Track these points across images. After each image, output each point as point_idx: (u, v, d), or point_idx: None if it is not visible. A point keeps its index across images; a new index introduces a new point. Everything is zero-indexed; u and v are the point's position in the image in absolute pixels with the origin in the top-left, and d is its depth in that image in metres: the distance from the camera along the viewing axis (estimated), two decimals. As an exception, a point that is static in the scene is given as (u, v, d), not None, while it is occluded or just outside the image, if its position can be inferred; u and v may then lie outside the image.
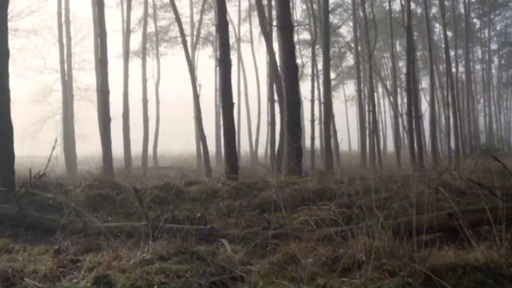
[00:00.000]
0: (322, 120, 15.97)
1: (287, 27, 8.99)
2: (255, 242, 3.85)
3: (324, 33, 16.02)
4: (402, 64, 42.31)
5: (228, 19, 29.43)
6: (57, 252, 3.92)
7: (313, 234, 4.75)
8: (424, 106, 33.88)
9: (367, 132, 24.39)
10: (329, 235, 4.06)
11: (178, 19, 14.30)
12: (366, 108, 25.50)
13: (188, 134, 37.92)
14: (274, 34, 19.65)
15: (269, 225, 5.39)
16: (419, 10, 36.06)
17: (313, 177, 8.15)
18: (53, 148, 17.06)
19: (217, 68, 7.84)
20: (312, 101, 19.43)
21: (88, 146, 29.52)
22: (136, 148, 22.51)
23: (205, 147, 13.97)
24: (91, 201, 6.28)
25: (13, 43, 18.71)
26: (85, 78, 32.37)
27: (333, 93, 31.77)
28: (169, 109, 30.49)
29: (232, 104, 8.10)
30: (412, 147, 17.91)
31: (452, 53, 29.87)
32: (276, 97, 16.22)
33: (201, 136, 13.88)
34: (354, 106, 42.53)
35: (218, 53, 7.96)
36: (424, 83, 40.56)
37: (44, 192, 6.65)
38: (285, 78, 9.01)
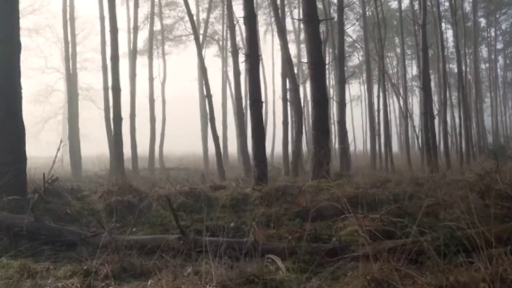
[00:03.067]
0: (336, 119, 15.35)
1: (313, 21, 8.42)
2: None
3: (339, 31, 15.46)
4: (406, 63, 41.81)
5: (234, 18, 28.66)
6: (88, 275, 3.32)
7: (376, 247, 4.18)
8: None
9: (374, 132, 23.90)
10: (407, 252, 3.50)
11: (190, 15, 13.70)
12: (375, 108, 24.90)
13: (192, 134, 37.34)
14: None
15: (318, 237, 4.85)
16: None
17: (348, 181, 7.55)
18: (58, 149, 16.44)
19: (245, 63, 7.28)
20: (324, 100, 18.82)
21: (90, 147, 28.88)
22: (140, 148, 21.86)
23: (217, 148, 13.36)
24: (112, 209, 5.68)
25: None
26: (87, 77, 31.76)
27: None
28: (172, 109, 29.80)
29: (261, 102, 7.54)
30: (428, 148, 17.36)
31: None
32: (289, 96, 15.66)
33: (214, 136, 13.29)
34: (359, 106, 42.10)
35: (245, 47, 7.42)
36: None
37: (58, 198, 6.05)
38: (311, 75, 8.45)
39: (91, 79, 31.78)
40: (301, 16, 27.78)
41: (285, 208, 5.79)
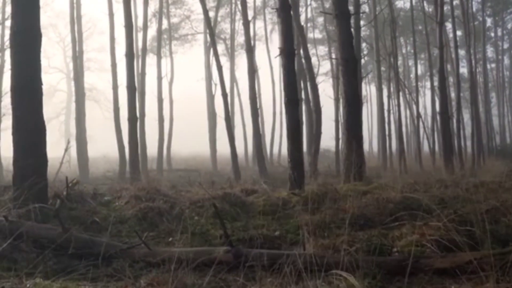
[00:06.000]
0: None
1: (345, 15, 7.94)
2: None
3: (355, 27, 14.96)
4: (411, 63, 41.51)
5: (239, 16, 27.77)
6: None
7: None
8: (429, 107, 33.26)
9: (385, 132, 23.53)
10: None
11: (205, 12, 13.20)
12: (385, 108, 24.48)
13: (196, 135, 36.80)
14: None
15: (381, 248, 4.34)
16: (430, 9, 35.12)
17: (386, 184, 7.06)
18: (66, 150, 15.90)
19: (280, 59, 6.77)
20: (337, 100, 18.37)
21: (92, 147, 28.33)
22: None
23: (233, 149, 12.85)
24: (142, 216, 5.17)
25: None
26: (89, 77, 31.30)
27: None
28: (177, 109, 29.28)
29: (297, 101, 7.03)
30: (445, 149, 16.92)
31: (462, 52, 28.90)
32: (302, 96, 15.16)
33: (229, 137, 12.79)
34: (364, 106, 41.61)
35: (280, 41, 6.93)
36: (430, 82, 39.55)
37: (81, 204, 5.54)
38: (343, 72, 7.97)
39: (94, 79, 31.36)
40: (309, 16, 27.19)
41: (330, 214, 5.28)
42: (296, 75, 7.11)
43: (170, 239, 4.68)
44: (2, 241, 4.04)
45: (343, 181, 7.85)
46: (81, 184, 11.52)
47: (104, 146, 30.18)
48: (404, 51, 40.20)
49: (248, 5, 26.99)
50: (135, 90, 10.82)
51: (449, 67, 32.21)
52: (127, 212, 5.32)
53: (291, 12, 14.57)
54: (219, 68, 12.20)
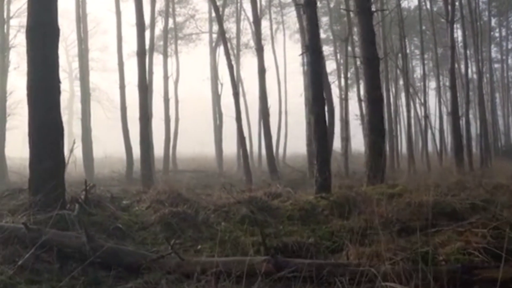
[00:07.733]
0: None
1: (367, 12, 7.67)
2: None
3: (366, 26, 14.65)
4: (414, 63, 41.29)
5: (244, 16, 27.32)
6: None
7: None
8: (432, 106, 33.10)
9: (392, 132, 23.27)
10: None
11: (216, 9, 12.93)
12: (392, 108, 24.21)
13: (199, 135, 36.48)
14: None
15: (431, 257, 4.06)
16: (434, 9, 34.88)
17: (416, 187, 6.77)
18: (71, 150, 15.54)
19: (305, 56, 6.50)
20: (346, 99, 18.13)
21: (94, 148, 28.01)
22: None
23: (244, 150, 12.55)
24: (166, 222, 4.88)
25: (20, 39, 17.16)
26: (92, 77, 30.93)
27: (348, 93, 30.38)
28: (181, 109, 28.96)
29: (324, 100, 6.73)
30: (457, 149, 16.66)
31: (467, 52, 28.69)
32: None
33: (240, 137, 12.48)
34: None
35: (306, 38, 6.63)
36: (433, 83, 39.34)
37: (100, 209, 5.25)
38: (365, 71, 7.72)
39: (96, 78, 31.02)
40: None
41: (365, 219, 5.00)
42: (321, 73, 6.84)
43: (199, 247, 4.40)
44: (23, 250, 3.77)
45: (365, 183, 7.58)
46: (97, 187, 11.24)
47: (106, 146, 29.86)
48: (407, 51, 39.94)
49: (249, 5, 26.72)
50: (146, 89, 10.55)
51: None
52: (149, 217, 5.03)
53: (300, 10, 14.38)
54: (230, 67, 11.93)
